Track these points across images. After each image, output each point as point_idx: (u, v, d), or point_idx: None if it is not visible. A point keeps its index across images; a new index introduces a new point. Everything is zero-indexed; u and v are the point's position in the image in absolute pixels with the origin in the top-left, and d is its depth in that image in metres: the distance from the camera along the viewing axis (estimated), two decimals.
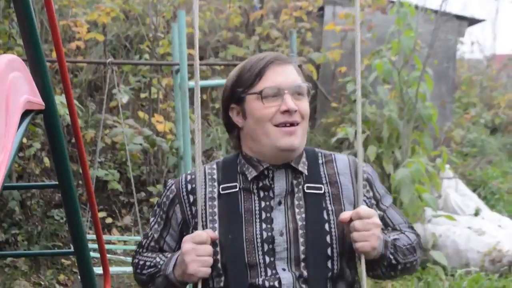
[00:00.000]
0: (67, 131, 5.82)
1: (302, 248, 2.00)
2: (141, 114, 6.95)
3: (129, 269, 4.86)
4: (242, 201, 2.06)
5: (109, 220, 6.35)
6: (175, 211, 2.13)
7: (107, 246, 4.22)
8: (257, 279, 1.98)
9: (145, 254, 2.19)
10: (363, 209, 1.97)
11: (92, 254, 3.23)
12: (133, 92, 6.86)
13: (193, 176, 2.12)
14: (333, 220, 2.03)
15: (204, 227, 2.03)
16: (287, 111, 2.02)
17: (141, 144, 6.04)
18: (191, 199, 2.09)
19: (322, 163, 2.14)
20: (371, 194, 2.13)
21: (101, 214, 6.13)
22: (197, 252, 1.95)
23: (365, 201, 2.08)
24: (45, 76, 2.16)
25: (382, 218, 2.09)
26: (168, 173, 6.64)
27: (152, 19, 7.36)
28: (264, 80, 2.05)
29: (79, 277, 2.85)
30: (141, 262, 2.17)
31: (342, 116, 8.13)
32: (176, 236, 2.14)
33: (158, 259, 2.13)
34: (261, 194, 2.07)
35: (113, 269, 4.47)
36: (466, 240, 6.22)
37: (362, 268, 2.00)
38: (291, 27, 7.74)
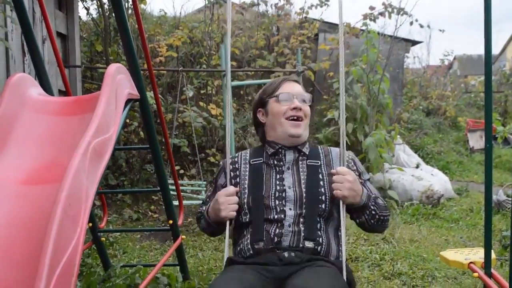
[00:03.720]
0: (154, 114, 5.80)
1: (304, 195, 1.91)
2: (201, 103, 6.91)
3: (195, 202, 4.86)
4: (264, 168, 2.00)
5: (181, 171, 6.35)
6: (221, 178, 2.09)
7: (180, 188, 4.21)
8: (270, 215, 1.90)
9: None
10: (341, 168, 1.90)
11: (171, 192, 3.22)
12: (196, 89, 6.83)
13: (234, 159, 2.08)
14: (326, 179, 1.95)
15: (236, 185, 1.99)
16: (295, 108, 1.99)
17: (201, 123, 6.06)
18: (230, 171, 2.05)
19: (322, 151, 2.05)
20: (354, 168, 2.01)
21: (176, 167, 6.11)
22: (229, 201, 1.93)
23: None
24: (140, 78, 2.18)
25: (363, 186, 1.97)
26: (218, 141, 6.62)
27: (208, 42, 7.29)
28: (280, 90, 2.04)
29: (163, 207, 2.84)
30: (198, 215, 2.14)
31: (330, 104, 8.12)
32: None
33: (203, 209, 2.10)
34: (276, 163, 2.01)
35: (184, 202, 4.46)
36: (410, 183, 6.16)
37: (341, 209, 1.89)
38: (297, 46, 7.63)
